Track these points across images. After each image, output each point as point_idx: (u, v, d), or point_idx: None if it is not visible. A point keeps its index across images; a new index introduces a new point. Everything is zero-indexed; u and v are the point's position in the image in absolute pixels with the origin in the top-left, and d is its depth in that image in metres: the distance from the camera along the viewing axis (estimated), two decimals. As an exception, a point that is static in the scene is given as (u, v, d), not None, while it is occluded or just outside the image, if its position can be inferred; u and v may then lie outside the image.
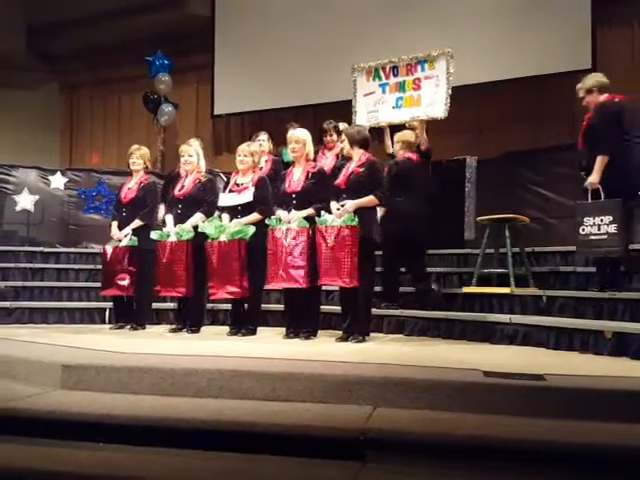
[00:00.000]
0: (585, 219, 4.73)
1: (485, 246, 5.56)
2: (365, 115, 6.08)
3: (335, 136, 5.90)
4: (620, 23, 6.87)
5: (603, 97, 4.83)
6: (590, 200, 4.76)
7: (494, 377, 3.14)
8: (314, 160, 5.16)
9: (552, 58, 6.85)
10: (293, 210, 4.78)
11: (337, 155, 5.79)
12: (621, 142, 4.76)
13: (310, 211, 4.75)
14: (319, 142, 5.90)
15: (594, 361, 3.89)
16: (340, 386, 3.08)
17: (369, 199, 4.65)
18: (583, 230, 4.74)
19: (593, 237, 4.68)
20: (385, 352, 4.20)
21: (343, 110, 6.35)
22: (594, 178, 4.67)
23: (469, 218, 5.93)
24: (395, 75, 5.92)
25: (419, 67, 5.80)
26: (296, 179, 4.89)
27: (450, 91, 5.59)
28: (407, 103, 5.86)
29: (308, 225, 4.70)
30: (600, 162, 4.65)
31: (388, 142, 6.09)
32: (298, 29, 8.43)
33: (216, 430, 2.75)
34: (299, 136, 4.97)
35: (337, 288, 4.97)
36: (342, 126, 5.90)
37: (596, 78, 4.94)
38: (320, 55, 8.15)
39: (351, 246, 4.48)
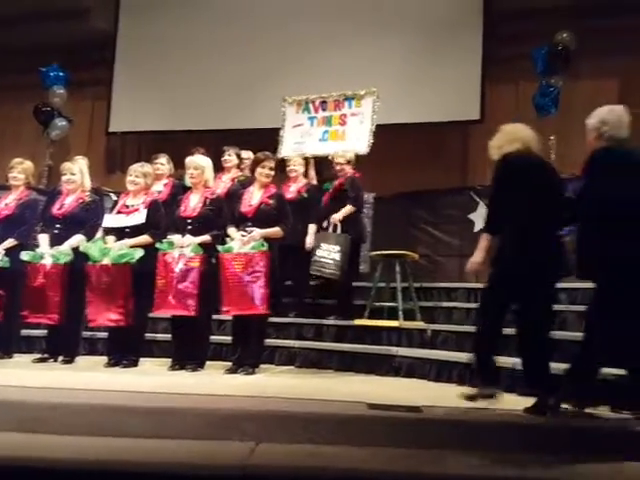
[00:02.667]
0: (321, 244, 5.40)
1: (377, 280, 5.71)
2: (291, 145, 6.21)
3: (234, 158, 5.90)
4: (506, 81, 7.44)
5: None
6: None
7: (377, 409, 3.20)
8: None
9: (447, 107, 7.27)
10: (188, 235, 4.68)
11: (233, 179, 5.79)
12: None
13: (206, 238, 4.67)
14: (221, 169, 5.87)
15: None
16: (224, 421, 3.00)
17: (275, 230, 4.68)
18: (318, 253, 5.39)
19: (323, 260, 5.36)
20: (273, 385, 4.16)
21: (250, 138, 6.39)
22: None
23: (364, 252, 6.10)
24: (324, 110, 6.17)
25: (346, 104, 6.04)
26: (192, 205, 4.81)
27: (374, 128, 5.85)
28: (332, 137, 6.10)
29: (202, 252, 4.61)
30: None
31: (312, 173, 6.21)
32: (206, 53, 8.36)
33: (85, 470, 2.58)
34: (198, 162, 4.91)
35: (229, 317, 4.89)
36: (245, 154, 5.92)
37: None
38: (228, 82, 8.12)
39: (264, 272, 4.46)
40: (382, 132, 6.18)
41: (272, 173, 4.88)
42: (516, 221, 3.36)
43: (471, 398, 3.41)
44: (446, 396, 3.88)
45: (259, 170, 4.87)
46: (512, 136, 3.67)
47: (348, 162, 5.72)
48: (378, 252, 5.82)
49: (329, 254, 5.35)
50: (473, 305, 5.65)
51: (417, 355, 4.80)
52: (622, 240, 3.16)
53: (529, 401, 3.66)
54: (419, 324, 5.44)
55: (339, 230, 5.50)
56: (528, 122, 6.94)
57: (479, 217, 6.32)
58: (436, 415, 3.21)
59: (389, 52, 7.40)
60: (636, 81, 6.96)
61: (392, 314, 5.55)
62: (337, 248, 5.35)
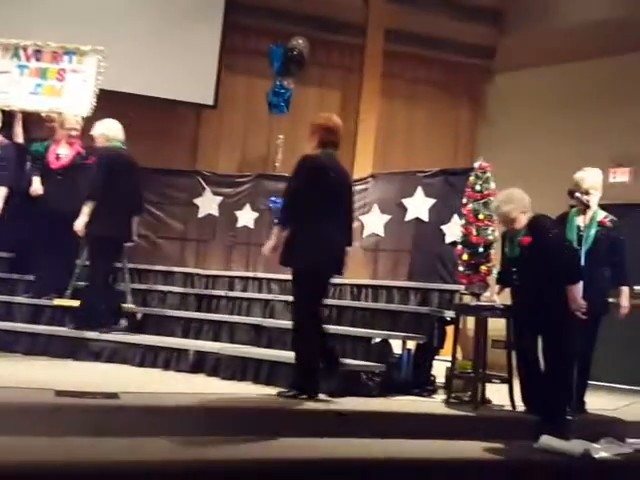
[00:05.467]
0: None
1: (85, 258, 5.24)
2: (-7, 93, 5.27)
3: None
4: (242, 72, 7.56)
5: None
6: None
7: (66, 397, 2.89)
8: None
9: (183, 88, 7.07)
10: None
11: None
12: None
13: None
14: None
15: (174, 378, 3.99)
16: None
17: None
18: None
19: None
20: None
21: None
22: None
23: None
24: (38, 60, 5.42)
25: (66, 58, 5.40)
26: None
27: (97, 91, 5.30)
28: (47, 92, 5.38)
29: None
30: None
31: (18, 129, 5.36)
32: None
33: None
34: None
35: None
36: None
37: None
38: None
39: None
40: (111, 98, 5.72)
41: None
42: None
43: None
44: (149, 381, 3.73)
45: None
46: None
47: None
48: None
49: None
50: (190, 290, 5.61)
51: (121, 340, 4.53)
52: None
53: (233, 385, 3.72)
54: (130, 307, 5.16)
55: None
56: (261, 117, 7.30)
57: (205, 202, 6.28)
58: (136, 402, 3.02)
59: (129, 19, 6.89)
60: (353, 93, 7.66)
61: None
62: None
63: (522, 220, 3.72)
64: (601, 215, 3.94)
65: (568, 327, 3.53)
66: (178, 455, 2.61)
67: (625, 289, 4.03)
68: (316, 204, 3.53)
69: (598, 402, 4.33)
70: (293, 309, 3.80)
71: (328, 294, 3.95)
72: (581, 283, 3.59)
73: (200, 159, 7.34)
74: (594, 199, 3.99)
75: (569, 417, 3.47)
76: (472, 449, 3.24)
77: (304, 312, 3.56)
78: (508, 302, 3.92)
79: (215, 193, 6.27)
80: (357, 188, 5.92)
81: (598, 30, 6.85)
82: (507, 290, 3.96)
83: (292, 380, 3.57)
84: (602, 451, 3.33)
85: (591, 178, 4.04)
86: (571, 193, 3.88)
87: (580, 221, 4.01)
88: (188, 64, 7.03)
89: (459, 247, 4.42)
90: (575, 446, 3.25)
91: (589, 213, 3.96)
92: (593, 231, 3.95)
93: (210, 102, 7.22)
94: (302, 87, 7.47)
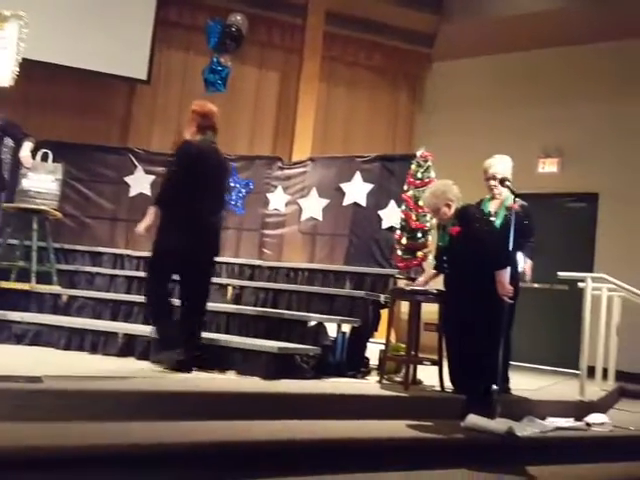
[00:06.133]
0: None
1: (7, 236, 4.99)
2: None
3: None
4: (178, 48, 7.33)
5: None
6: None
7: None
8: None
9: (115, 61, 6.78)
10: None
11: None
12: None
13: None
14: None
15: (101, 362, 3.86)
16: None
17: None
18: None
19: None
20: None
21: None
22: None
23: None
24: None
25: None
26: None
27: (19, 59, 4.97)
28: None
29: None
30: None
31: None
32: None
33: None
34: None
35: None
36: None
37: None
38: None
39: None
40: (37, 69, 5.42)
41: None
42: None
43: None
44: (75, 365, 3.59)
45: None
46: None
47: None
48: (12, 205, 5.10)
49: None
50: (120, 272, 5.43)
51: (46, 322, 4.33)
52: None
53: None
54: (54, 288, 4.95)
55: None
56: (197, 95, 7.08)
57: (136, 181, 6.06)
58: (60, 386, 2.88)
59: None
60: (293, 75, 7.55)
61: (24, 276, 4.92)
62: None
63: (447, 212, 3.83)
64: (511, 200, 3.99)
65: (494, 312, 3.60)
66: (103, 440, 2.51)
67: (529, 261, 4.09)
68: (190, 187, 3.66)
69: (522, 382, 4.48)
70: (146, 285, 4.00)
71: (202, 276, 3.90)
72: (509, 269, 3.70)
73: (132, 136, 7.07)
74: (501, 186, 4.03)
75: (494, 397, 3.58)
76: (403, 428, 3.29)
77: (151, 286, 3.79)
78: (442, 287, 3.99)
79: (147, 172, 6.05)
80: (296, 171, 5.90)
81: (536, 21, 7.02)
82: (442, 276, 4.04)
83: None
84: (525, 429, 3.45)
85: (499, 165, 4.12)
86: (501, 182, 3.97)
87: (491, 206, 4.12)
88: (121, 36, 6.75)
89: (398, 232, 4.47)
90: (499, 425, 3.34)
91: (499, 199, 4.09)
92: (502, 215, 4.04)
93: (143, 77, 6.97)
94: (241, 66, 7.32)
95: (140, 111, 7.17)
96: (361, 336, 4.46)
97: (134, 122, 7.16)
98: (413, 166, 4.47)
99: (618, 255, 6.53)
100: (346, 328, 4.36)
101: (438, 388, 3.97)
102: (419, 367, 4.11)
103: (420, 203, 4.35)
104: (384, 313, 4.58)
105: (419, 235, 4.32)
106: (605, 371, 5.38)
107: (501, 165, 4.14)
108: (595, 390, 4.72)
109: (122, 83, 7.01)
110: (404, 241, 4.34)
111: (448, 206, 3.82)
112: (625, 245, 6.64)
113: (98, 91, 6.95)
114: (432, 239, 4.32)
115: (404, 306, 4.68)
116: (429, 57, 7.98)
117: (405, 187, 4.47)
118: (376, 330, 4.74)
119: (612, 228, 6.82)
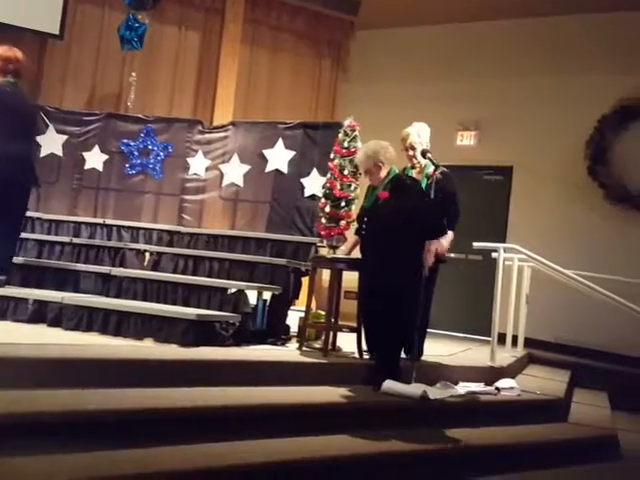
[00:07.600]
0: None
1: None
2: None
3: None
4: (93, 2, 6.90)
5: None
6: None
7: None
8: None
9: (24, 11, 6.31)
10: None
11: None
12: None
13: None
14: None
15: (10, 328, 3.70)
16: None
17: None
18: None
19: None
20: None
21: None
22: None
23: None
24: None
25: None
26: None
27: None
28: None
29: None
30: None
31: None
32: None
33: None
34: None
35: None
36: None
37: None
38: None
39: None
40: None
41: None
42: None
43: None
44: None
45: None
46: None
47: None
48: None
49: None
50: (30, 235, 5.22)
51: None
52: None
53: (78, 336, 3.50)
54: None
55: None
56: (113, 53, 6.74)
57: (47, 141, 5.72)
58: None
59: None
60: (214, 37, 7.30)
61: None
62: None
63: (375, 173, 3.79)
64: (431, 168, 4.06)
65: (413, 280, 3.65)
66: (13, 408, 2.39)
67: (450, 232, 4.07)
68: None
69: (436, 349, 4.65)
70: None
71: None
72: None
73: (44, 94, 6.65)
74: (418, 153, 4.11)
75: (409, 362, 3.69)
76: (322, 394, 3.34)
77: None
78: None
79: (59, 131, 5.74)
80: (217, 136, 5.75)
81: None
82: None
83: None
84: (438, 393, 3.60)
85: (415, 136, 4.16)
86: (423, 154, 4.03)
87: (413, 175, 4.17)
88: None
89: (322, 200, 4.46)
90: (414, 389, 3.47)
91: (419, 167, 4.17)
92: (423, 183, 4.09)
93: (56, 31, 6.53)
94: (160, 25, 7.01)
95: (52, 68, 6.72)
96: (282, 304, 4.46)
97: (46, 79, 6.71)
98: (340, 135, 4.45)
99: (529, 227, 6.84)
100: (267, 296, 4.34)
101: (357, 355, 4.04)
102: (339, 334, 4.17)
103: (345, 172, 4.35)
104: (305, 281, 4.59)
105: (342, 204, 4.32)
106: (515, 338, 5.67)
107: (418, 135, 4.18)
108: (505, 356, 4.96)
109: (33, 37, 6.54)
110: (327, 209, 4.34)
111: (378, 167, 3.77)
112: (535, 217, 6.96)
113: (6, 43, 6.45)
114: (355, 209, 4.34)
115: (325, 274, 4.71)
116: (353, 25, 7.93)
117: (332, 155, 4.45)
118: (297, 298, 4.75)
119: (524, 200, 7.12)
